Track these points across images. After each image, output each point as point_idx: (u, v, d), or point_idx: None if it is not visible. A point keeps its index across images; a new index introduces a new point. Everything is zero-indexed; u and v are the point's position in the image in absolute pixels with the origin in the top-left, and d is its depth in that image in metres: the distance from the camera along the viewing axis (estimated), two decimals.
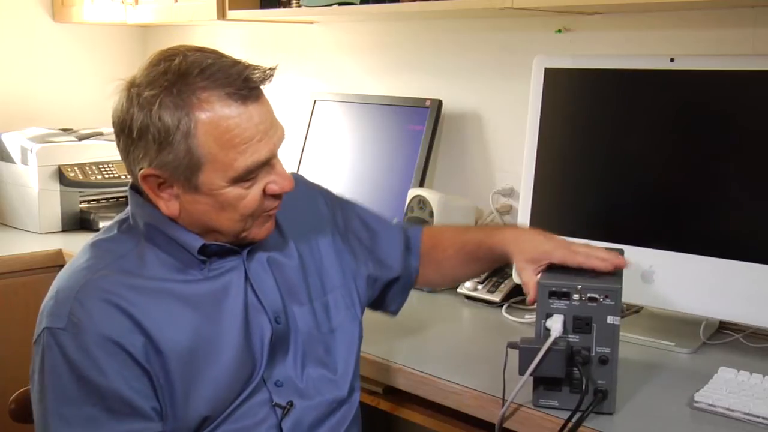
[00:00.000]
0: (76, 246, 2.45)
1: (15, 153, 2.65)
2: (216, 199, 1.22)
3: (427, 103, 2.22)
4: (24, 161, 2.62)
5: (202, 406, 1.24)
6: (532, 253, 1.41)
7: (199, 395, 1.24)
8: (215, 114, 1.18)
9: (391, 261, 1.53)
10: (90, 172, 2.65)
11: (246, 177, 1.22)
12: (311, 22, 2.63)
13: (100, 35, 3.22)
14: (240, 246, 1.31)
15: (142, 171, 1.21)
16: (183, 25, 3.08)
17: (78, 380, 1.18)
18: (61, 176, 2.60)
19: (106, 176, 2.68)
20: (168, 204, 1.24)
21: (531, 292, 1.37)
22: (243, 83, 1.19)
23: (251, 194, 1.24)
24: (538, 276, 1.37)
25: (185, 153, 1.18)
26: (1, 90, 3.00)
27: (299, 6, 2.28)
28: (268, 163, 1.24)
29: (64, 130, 2.84)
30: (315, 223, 1.46)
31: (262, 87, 1.22)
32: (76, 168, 2.63)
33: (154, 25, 3.19)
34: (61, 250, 2.44)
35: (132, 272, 1.24)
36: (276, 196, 1.27)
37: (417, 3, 1.98)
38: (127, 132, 1.21)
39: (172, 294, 1.25)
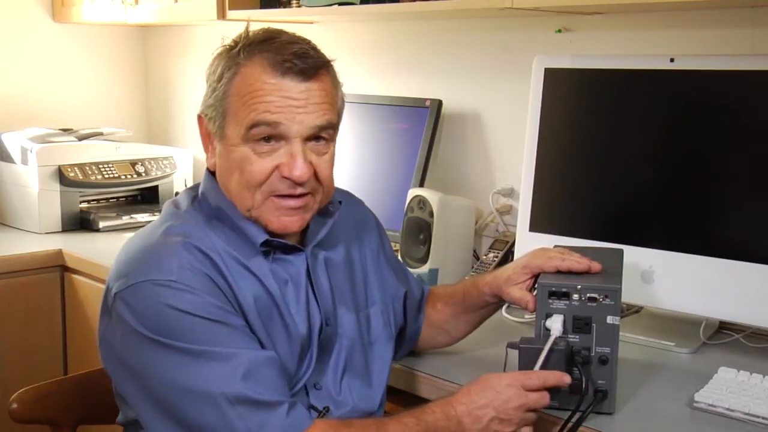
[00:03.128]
0: (76, 246, 2.46)
1: (15, 153, 2.65)
2: (230, 155, 1.28)
3: (427, 103, 2.22)
4: (24, 161, 2.62)
5: None
6: (511, 275, 1.43)
7: None
8: (253, 73, 1.26)
9: (416, 298, 1.56)
10: (90, 172, 2.65)
11: (251, 134, 1.25)
12: (311, 22, 2.63)
13: (100, 35, 3.21)
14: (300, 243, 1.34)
15: (198, 112, 1.35)
16: (183, 25, 3.08)
17: (192, 317, 1.19)
18: (61, 176, 2.60)
19: (106, 176, 2.68)
20: (211, 156, 1.34)
21: (528, 301, 1.39)
22: (290, 57, 1.25)
23: (260, 163, 1.27)
24: (534, 288, 1.39)
25: (219, 101, 1.28)
26: (1, 90, 3.00)
27: (299, 6, 2.28)
28: (289, 141, 1.26)
29: (64, 130, 2.84)
30: (366, 240, 1.49)
31: (314, 71, 1.26)
32: (76, 168, 2.63)
33: (154, 25, 3.19)
34: (61, 250, 2.44)
35: (214, 238, 1.28)
36: (288, 182, 1.28)
37: (417, 3, 1.98)
38: (205, 80, 1.34)
39: (248, 269, 1.28)
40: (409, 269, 1.74)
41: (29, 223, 2.64)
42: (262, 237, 1.29)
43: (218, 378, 1.17)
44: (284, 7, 2.35)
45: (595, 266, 1.37)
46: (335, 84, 1.32)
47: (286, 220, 1.30)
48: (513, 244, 1.96)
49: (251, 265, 1.28)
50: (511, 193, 2.19)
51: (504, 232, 2.16)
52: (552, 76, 1.80)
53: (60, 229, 2.63)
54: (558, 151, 1.82)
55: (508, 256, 2.03)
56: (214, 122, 1.30)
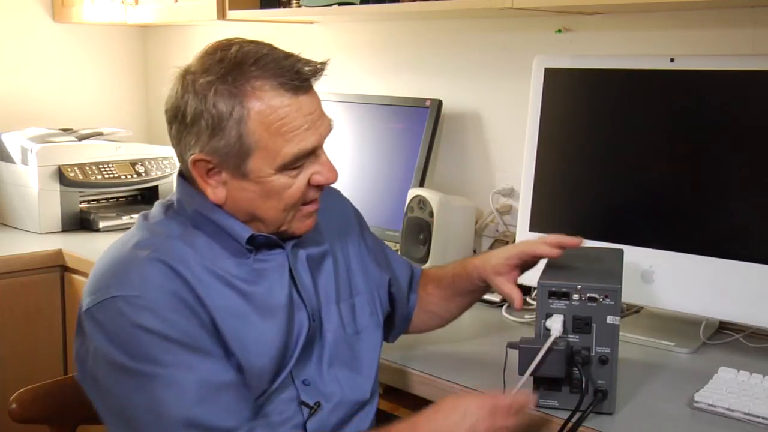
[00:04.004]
0: (76, 246, 2.46)
1: (15, 153, 2.65)
2: (263, 186, 1.25)
3: (427, 103, 2.22)
4: (24, 161, 2.62)
5: None
6: (497, 264, 1.44)
7: None
8: (267, 103, 1.21)
9: (402, 280, 1.56)
10: (90, 172, 2.65)
11: (293, 165, 1.25)
12: (311, 22, 2.63)
13: (100, 35, 3.21)
14: (282, 240, 1.33)
15: (192, 156, 1.24)
16: (183, 25, 3.08)
17: (154, 336, 1.18)
18: (61, 176, 2.60)
19: (106, 176, 2.68)
20: (215, 191, 1.27)
21: (515, 299, 1.40)
22: (295, 75, 1.23)
23: (296, 183, 1.27)
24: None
25: (236, 140, 1.21)
26: (1, 90, 3.00)
27: (299, 6, 2.28)
28: (314, 153, 1.27)
29: (64, 130, 2.84)
30: (346, 230, 1.49)
31: (312, 80, 1.26)
32: (76, 168, 2.63)
33: (154, 25, 3.19)
34: (61, 250, 2.44)
35: (185, 250, 1.26)
36: (318, 188, 1.30)
37: (417, 3, 1.98)
38: (180, 118, 1.24)
39: (221, 278, 1.26)
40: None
41: (29, 223, 2.63)
42: (248, 233, 1.29)
43: (173, 401, 1.16)
44: (284, 7, 2.35)
45: (574, 242, 1.39)
46: None
47: (310, 222, 1.33)
48: None
49: (226, 269, 1.26)
50: (511, 193, 2.19)
51: (504, 232, 2.16)
52: (552, 76, 1.80)
53: (60, 229, 2.62)
54: (558, 151, 1.82)
55: None
56: (227, 163, 1.23)
